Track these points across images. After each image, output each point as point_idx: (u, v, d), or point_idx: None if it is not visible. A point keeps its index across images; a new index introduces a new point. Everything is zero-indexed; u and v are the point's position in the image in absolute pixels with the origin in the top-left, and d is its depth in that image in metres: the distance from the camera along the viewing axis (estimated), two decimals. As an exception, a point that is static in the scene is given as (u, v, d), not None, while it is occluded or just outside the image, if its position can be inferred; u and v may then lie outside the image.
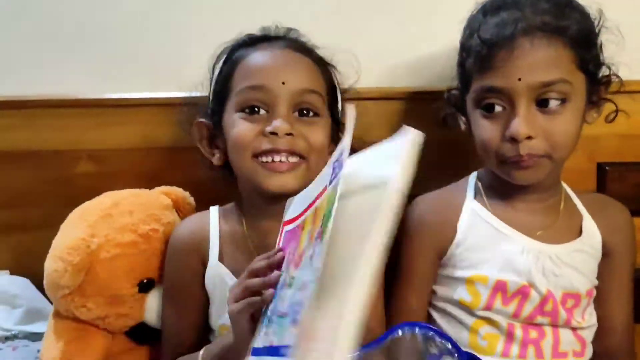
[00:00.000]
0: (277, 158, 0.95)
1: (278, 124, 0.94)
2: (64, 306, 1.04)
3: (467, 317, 1.04)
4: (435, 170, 1.18)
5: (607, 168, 1.21)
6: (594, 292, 1.06)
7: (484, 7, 1.01)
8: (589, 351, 1.06)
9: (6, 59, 1.25)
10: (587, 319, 1.06)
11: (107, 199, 1.10)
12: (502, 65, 0.94)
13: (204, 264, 1.02)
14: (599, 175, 1.22)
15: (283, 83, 0.96)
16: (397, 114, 1.23)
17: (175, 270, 1.05)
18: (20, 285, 1.24)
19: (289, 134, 0.95)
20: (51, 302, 1.10)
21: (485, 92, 0.98)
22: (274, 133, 0.94)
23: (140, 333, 1.09)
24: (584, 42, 0.97)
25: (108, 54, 1.24)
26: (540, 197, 1.05)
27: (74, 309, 1.04)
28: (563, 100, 0.96)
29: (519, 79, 0.94)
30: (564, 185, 1.10)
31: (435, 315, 1.08)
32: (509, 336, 1.02)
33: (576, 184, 1.11)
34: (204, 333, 1.05)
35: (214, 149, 1.06)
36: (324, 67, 1.05)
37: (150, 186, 1.18)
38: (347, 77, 1.11)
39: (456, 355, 0.83)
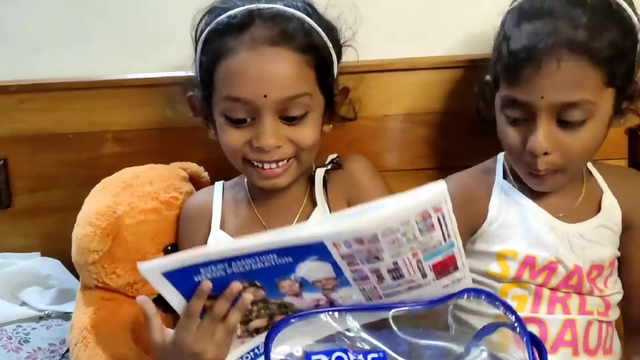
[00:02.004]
0: (267, 166, 0.96)
1: (264, 142, 0.93)
2: (95, 274, 1.05)
3: (496, 283, 1.06)
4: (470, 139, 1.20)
5: (639, 133, 1.18)
6: (616, 263, 1.08)
7: (520, 8, 0.98)
8: (614, 313, 1.08)
9: (30, 43, 1.26)
10: (611, 286, 1.07)
11: (126, 172, 1.13)
12: (527, 81, 0.93)
13: (208, 232, 1.06)
14: (631, 141, 1.19)
15: (265, 96, 0.91)
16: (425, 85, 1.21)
17: (184, 238, 1.09)
18: (52, 266, 1.27)
19: (277, 146, 0.95)
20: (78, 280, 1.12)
21: (509, 102, 0.97)
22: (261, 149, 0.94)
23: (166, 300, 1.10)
24: (617, 60, 0.93)
25: (131, 34, 1.25)
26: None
27: (105, 277, 1.06)
28: (585, 119, 0.94)
29: (542, 97, 0.92)
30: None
31: None
32: (537, 296, 1.05)
33: (606, 152, 1.08)
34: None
35: (209, 123, 1.05)
36: (314, 50, 0.96)
37: (174, 166, 1.19)
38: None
39: (518, 329, 0.81)
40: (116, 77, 1.24)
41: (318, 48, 0.96)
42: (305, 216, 1.02)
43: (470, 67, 1.15)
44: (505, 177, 1.08)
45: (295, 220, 1.02)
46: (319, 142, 1.00)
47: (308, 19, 0.95)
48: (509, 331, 0.82)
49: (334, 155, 1.07)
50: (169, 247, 1.09)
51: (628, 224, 1.07)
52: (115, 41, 1.26)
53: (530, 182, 1.02)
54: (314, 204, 1.03)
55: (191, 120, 1.08)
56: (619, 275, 1.10)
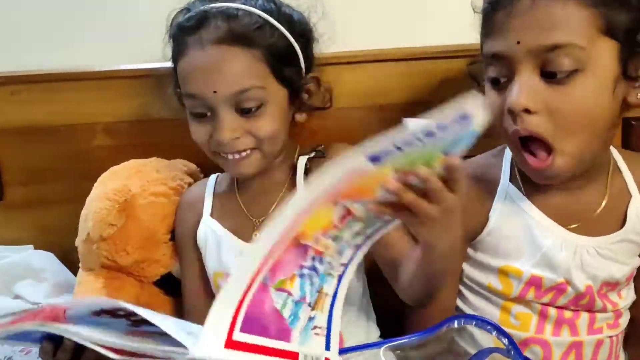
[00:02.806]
0: (230, 156, 0.99)
1: (219, 136, 0.97)
2: (105, 251, 1.08)
3: (498, 298, 0.99)
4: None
5: (633, 123, 1.16)
6: (634, 274, 0.99)
7: None
8: (624, 320, 1.01)
9: (21, 34, 1.25)
10: (624, 296, 0.99)
11: (133, 162, 1.18)
12: (500, 26, 0.84)
13: (199, 220, 1.10)
14: (624, 131, 1.17)
15: (215, 92, 0.95)
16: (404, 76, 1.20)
17: (180, 227, 1.13)
18: (45, 259, 1.26)
19: (234, 138, 0.97)
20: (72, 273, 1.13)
21: (489, 59, 0.87)
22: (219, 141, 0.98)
23: (167, 283, 1.15)
24: (613, 2, 0.81)
25: (123, 25, 1.24)
26: (581, 182, 0.94)
27: (115, 254, 1.09)
28: (575, 71, 0.81)
29: (518, 42, 0.81)
30: (616, 154, 0.98)
31: (466, 292, 1.03)
32: (542, 316, 0.97)
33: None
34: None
35: None
36: (264, 45, 0.97)
37: (166, 158, 1.21)
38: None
39: (511, 353, 0.78)
40: (107, 68, 1.23)
41: (271, 42, 0.98)
42: (285, 202, 1.01)
43: (460, 57, 1.14)
44: (511, 178, 0.97)
45: (274, 206, 1.05)
46: (283, 132, 1.01)
47: (261, 14, 0.98)
48: (502, 357, 0.80)
49: (321, 146, 1.08)
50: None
51: None
52: (107, 32, 1.24)
53: (527, 168, 0.88)
54: (294, 191, 1.04)
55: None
56: (634, 280, 1.00)
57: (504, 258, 0.96)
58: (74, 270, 1.27)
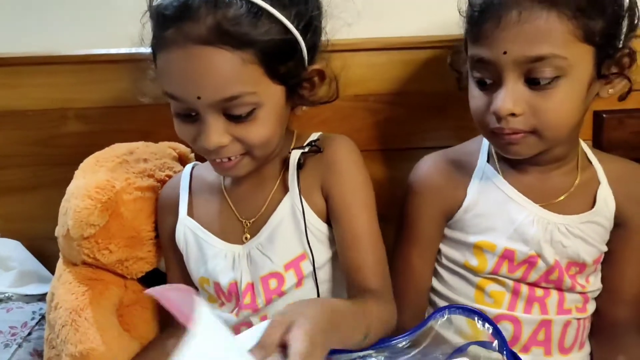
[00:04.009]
0: (218, 160, 0.91)
1: (205, 143, 0.87)
2: (87, 250, 1.03)
3: (473, 276, 1.03)
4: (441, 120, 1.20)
5: (604, 116, 1.19)
6: (601, 258, 1.04)
7: None
8: (591, 306, 1.06)
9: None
10: (592, 282, 1.04)
11: (119, 147, 1.12)
12: (488, 36, 0.88)
13: (176, 220, 1.03)
14: (596, 123, 1.20)
15: (198, 98, 0.83)
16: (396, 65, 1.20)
17: (160, 226, 1.07)
18: (11, 247, 1.23)
19: (222, 146, 0.88)
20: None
21: (475, 62, 0.92)
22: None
23: (153, 279, 1.11)
24: (591, 11, 0.85)
25: (97, 7, 1.20)
26: (553, 165, 1.01)
27: (97, 252, 1.04)
28: (556, 77, 0.87)
29: (504, 52, 0.86)
30: (585, 147, 1.05)
31: (442, 271, 1.07)
32: (515, 293, 1.02)
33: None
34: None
35: None
36: (258, 42, 0.84)
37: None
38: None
39: (495, 341, 0.79)
40: (80, 52, 1.20)
41: (267, 38, 0.84)
42: (276, 202, 0.98)
43: (442, 48, 1.15)
44: (488, 159, 1.03)
45: (265, 206, 0.98)
46: (278, 133, 0.92)
47: (257, 1, 0.83)
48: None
49: (317, 134, 1.01)
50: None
51: (620, 222, 1.02)
52: (80, 14, 1.21)
53: (504, 148, 0.94)
54: (286, 189, 0.97)
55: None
56: (601, 270, 1.06)
57: (479, 234, 1.01)
58: (42, 258, 1.25)
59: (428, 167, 1.06)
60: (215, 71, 0.83)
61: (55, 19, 1.21)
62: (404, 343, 0.83)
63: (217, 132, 0.86)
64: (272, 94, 0.88)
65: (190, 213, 1.02)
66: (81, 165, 1.09)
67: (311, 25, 0.90)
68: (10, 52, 1.20)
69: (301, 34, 0.88)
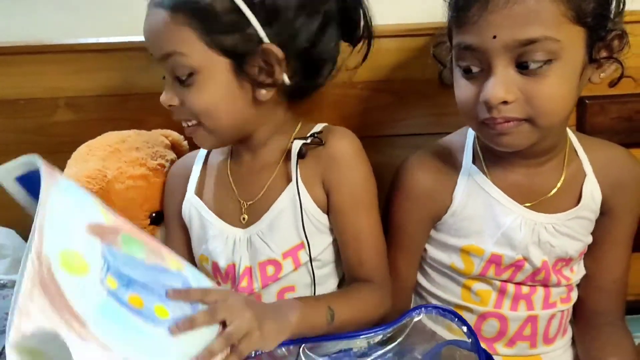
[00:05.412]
0: (183, 124, 0.94)
1: (161, 99, 0.93)
2: None
3: (459, 276, 1.03)
4: (431, 107, 1.21)
5: (586, 102, 1.19)
6: (586, 249, 1.03)
7: None
8: (574, 294, 1.06)
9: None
10: (576, 270, 1.04)
11: (111, 136, 1.12)
12: (475, 20, 0.82)
13: (184, 196, 1.05)
14: (579, 109, 1.20)
15: (151, 54, 0.91)
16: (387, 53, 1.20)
17: (167, 202, 1.09)
18: (5, 235, 1.24)
19: (172, 105, 0.92)
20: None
21: (462, 50, 0.87)
22: None
23: None
24: None
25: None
26: (541, 159, 0.97)
27: None
28: (548, 61, 0.82)
29: (494, 37, 0.82)
30: (572, 136, 1.01)
31: (429, 270, 1.07)
32: (501, 292, 1.02)
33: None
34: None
35: None
36: (190, 7, 0.86)
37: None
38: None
39: (469, 341, 0.81)
40: (70, 41, 1.20)
41: (202, 4, 0.85)
42: (276, 189, 0.98)
43: (428, 35, 1.14)
44: (474, 159, 0.99)
45: (263, 191, 0.99)
46: (225, 108, 0.91)
47: None
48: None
49: (322, 126, 1.01)
50: (154, 214, 1.09)
51: (606, 210, 1.00)
52: (70, 3, 1.21)
53: (495, 140, 0.89)
54: (288, 178, 0.98)
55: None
56: (584, 258, 1.05)
57: (466, 237, 1.00)
58: (36, 246, 1.26)
59: (415, 170, 1.02)
60: (153, 30, 0.89)
61: (45, 7, 1.21)
62: (380, 337, 0.85)
63: (166, 93, 0.91)
64: (210, 61, 0.88)
65: (198, 192, 1.04)
66: (74, 154, 1.09)
67: (274, 4, 0.87)
68: (0, 42, 1.20)
69: (254, 10, 0.86)
